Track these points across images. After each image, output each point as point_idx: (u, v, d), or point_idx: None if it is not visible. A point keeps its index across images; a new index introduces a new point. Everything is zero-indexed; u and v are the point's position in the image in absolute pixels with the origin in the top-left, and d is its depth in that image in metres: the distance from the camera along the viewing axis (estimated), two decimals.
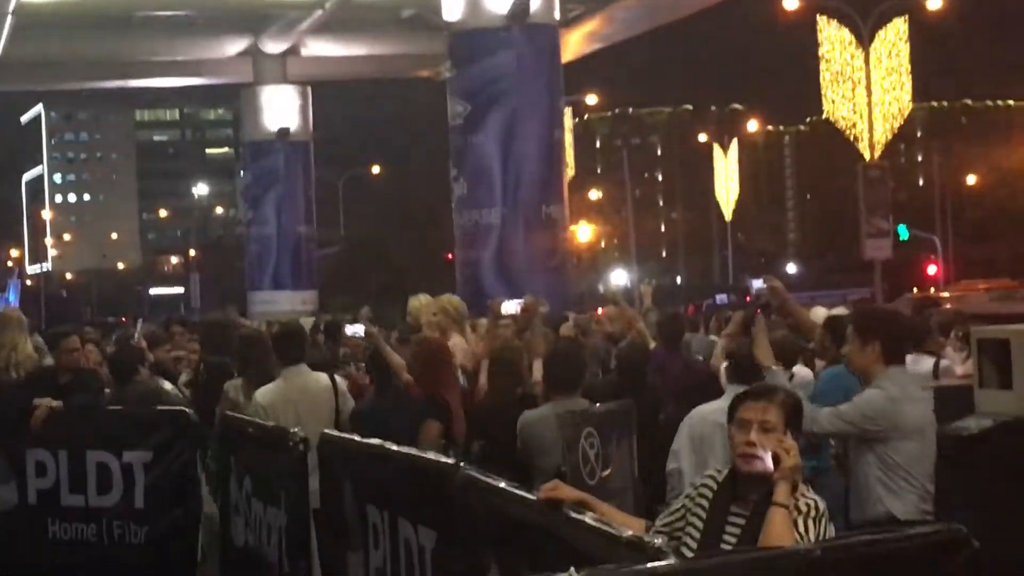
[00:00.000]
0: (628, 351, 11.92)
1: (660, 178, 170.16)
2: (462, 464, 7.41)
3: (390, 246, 68.80)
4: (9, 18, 34.03)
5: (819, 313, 12.89)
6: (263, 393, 11.45)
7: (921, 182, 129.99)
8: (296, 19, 37.25)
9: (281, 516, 10.15)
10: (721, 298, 37.73)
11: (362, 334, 12.27)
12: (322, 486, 9.64)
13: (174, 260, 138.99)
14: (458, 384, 11.18)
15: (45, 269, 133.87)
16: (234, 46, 40.58)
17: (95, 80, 46.85)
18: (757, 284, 12.28)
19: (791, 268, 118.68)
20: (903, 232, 59.26)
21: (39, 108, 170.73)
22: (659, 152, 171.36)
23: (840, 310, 12.36)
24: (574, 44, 32.67)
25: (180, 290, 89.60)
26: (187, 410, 12.44)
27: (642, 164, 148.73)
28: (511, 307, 12.36)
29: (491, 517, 6.48)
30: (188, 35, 39.84)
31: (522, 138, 24.60)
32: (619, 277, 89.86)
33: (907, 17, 50.57)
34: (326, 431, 9.90)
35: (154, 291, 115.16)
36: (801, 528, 5.46)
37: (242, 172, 48.98)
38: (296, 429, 10.12)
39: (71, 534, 12.08)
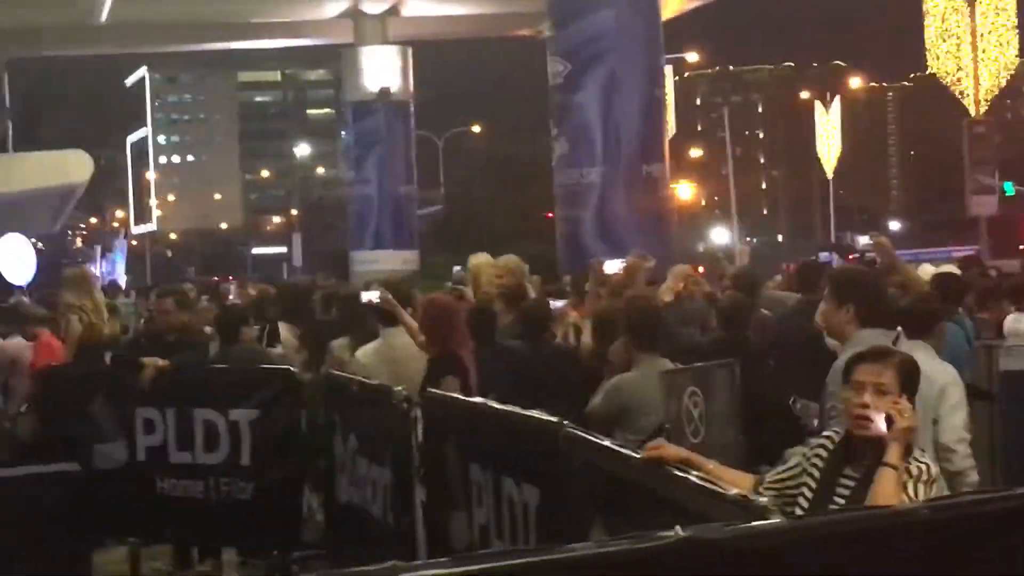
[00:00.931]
0: (730, 309, 11.87)
1: (761, 136, 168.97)
2: (565, 422, 7.45)
3: (490, 205, 68.88)
4: None
5: (926, 270, 12.76)
6: (364, 352, 11.56)
7: None
8: None
9: (386, 474, 10.24)
10: (825, 256, 37.37)
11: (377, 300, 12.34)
12: (426, 445, 9.73)
13: (276, 220, 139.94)
14: (468, 340, 11.22)
15: (150, 230, 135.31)
16: (335, 7, 40.71)
17: (197, 42, 47.24)
18: (864, 241, 12.11)
19: (894, 225, 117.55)
20: (1008, 188, 58.42)
21: (143, 71, 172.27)
22: (760, 110, 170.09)
23: (949, 267, 12.21)
24: (674, 1, 32.46)
25: (283, 249, 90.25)
26: (292, 368, 12.60)
27: (743, 122, 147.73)
28: (614, 266, 12.32)
29: (594, 475, 6.51)
30: None
31: (623, 96, 24.49)
32: (720, 236, 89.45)
33: None
34: (430, 390, 9.98)
35: (256, 251, 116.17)
36: (911, 491, 5.44)
37: (343, 133, 49.18)
38: (400, 388, 10.22)
39: (179, 491, 12.26)
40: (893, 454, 5.45)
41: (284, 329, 14.07)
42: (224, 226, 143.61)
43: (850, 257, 11.60)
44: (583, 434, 7.03)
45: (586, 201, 24.62)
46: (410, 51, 41.54)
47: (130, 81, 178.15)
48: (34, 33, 40.48)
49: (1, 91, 55.74)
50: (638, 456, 5.94)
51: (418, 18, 41.18)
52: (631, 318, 9.88)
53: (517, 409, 8.17)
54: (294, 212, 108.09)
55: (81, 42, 43.68)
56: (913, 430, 5.55)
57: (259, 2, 40.16)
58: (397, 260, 36.37)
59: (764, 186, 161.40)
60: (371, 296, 12.63)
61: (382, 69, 40.70)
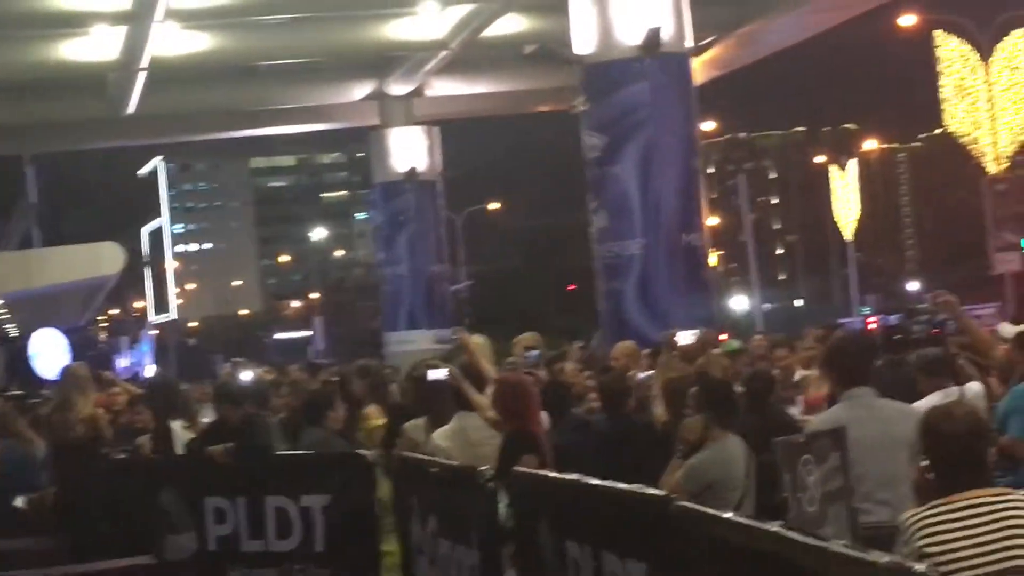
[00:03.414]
0: (752, 378, 11.93)
1: (775, 201, 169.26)
2: (672, 496, 7.43)
3: (521, 280, 69.19)
4: (141, 74, 34.60)
5: (1006, 330, 12.78)
6: (442, 434, 11.54)
7: None
8: (421, 60, 37.54)
9: (472, 555, 10.20)
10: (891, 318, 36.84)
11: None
12: (516, 523, 9.69)
13: (295, 304, 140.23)
14: (540, 417, 11.21)
15: (170, 319, 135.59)
16: (360, 90, 40.94)
17: (220, 131, 47.43)
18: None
19: (912, 285, 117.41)
20: None
21: (156, 161, 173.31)
22: (773, 175, 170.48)
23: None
24: (696, 72, 32.60)
25: (305, 333, 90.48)
26: (363, 452, 12.59)
27: (756, 188, 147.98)
28: (687, 338, 12.37)
29: (713, 547, 6.48)
30: (313, 81, 40.27)
31: (660, 168, 24.62)
32: (739, 303, 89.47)
33: None
34: (518, 468, 9.95)
35: (279, 336, 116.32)
36: None
37: (371, 214, 49.41)
38: (486, 467, 10.20)
39: None
40: None
41: (375, 411, 14.11)
42: (244, 312, 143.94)
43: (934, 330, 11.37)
44: (698, 508, 7.01)
45: (627, 273, 24.69)
46: (437, 130, 41.77)
47: (143, 171, 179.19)
48: (61, 127, 40.79)
49: (26, 187, 56.18)
50: (766, 527, 5.92)
51: (443, 97, 41.41)
52: (710, 393, 9.87)
53: (618, 484, 8.15)
54: (314, 295, 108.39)
55: (107, 134, 43.96)
56: None
57: (285, 88, 40.42)
58: (432, 339, 36.37)
59: (780, 251, 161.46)
60: (438, 375, 12.64)
61: (409, 149, 40.92)
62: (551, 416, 11.62)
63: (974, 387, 10.88)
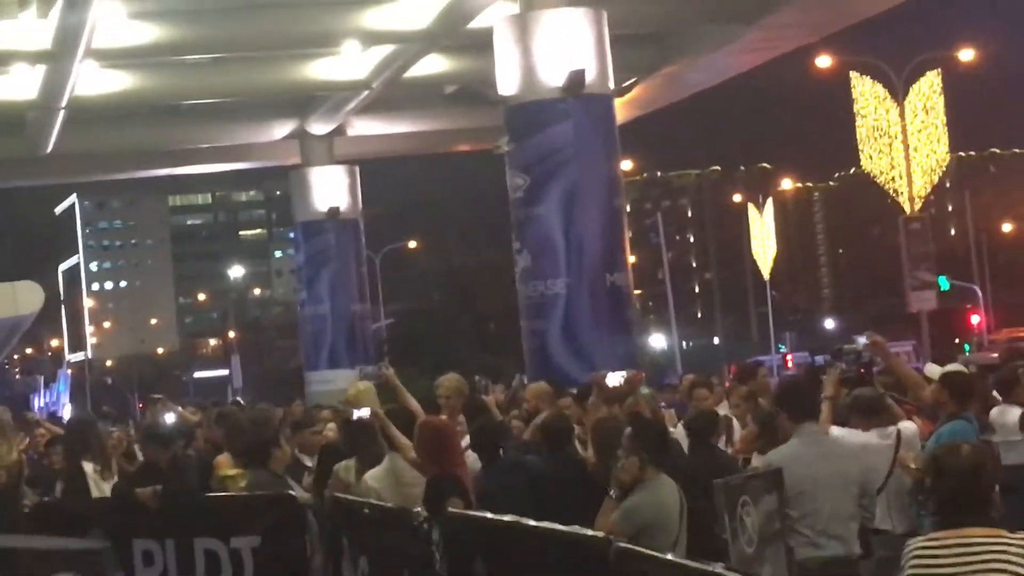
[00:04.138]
0: (697, 419, 12.04)
1: (692, 239, 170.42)
2: (611, 537, 7.49)
3: (441, 319, 69.19)
4: (61, 113, 34.36)
5: (933, 370, 12.94)
6: (373, 475, 11.52)
7: (953, 232, 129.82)
8: (343, 100, 37.53)
9: None
10: (819, 359, 36.77)
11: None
12: (451, 564, 9.70)
13: (213, 343, 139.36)
14: (463, 459, 11.25)
15: (86, 357, 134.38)
16: (281, 129, 40.87)
17: (138, 169, 47.13)
18: (861, 341, 12.22)
19: (829, 323, 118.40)
20: (944, 283, 59.12)
21: (73, 198, 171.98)
22: (689, 214, 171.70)
23: (955, 366, 12.40)
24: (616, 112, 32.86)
25: (224, 372, 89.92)
26: (294, 493, 12.56)
27: (673, 227, 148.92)
28: (615, 379, 12.44)
29: None
30: (234, 120, 40.15)
31: (584, 208, 24.68)
32: (658, 341, 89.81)
33: (939, 70, 50.86)
34: (452, 509, 9.98)
35: (197, 375, 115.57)
36: None
37: (289, 253, 49.29)
38: (419, 509, 10.21)
39: None
40: None
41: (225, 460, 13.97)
42: (161, 351, 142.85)
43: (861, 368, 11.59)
44: (640, 549, 7.08)
45: (551, 313, 24.73)
46: (357, 169, 41.73)
47: (59, 209, 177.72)
48: None
49: None
50: (707, 568, 5.99)
51: (364, 137, 41.42)
52: (644, 434, 9.93)
53: (557, 526, 8.20)
54: (232, 334, 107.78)
55: (25, 173, 43.59)
56: None
57: (206, 127, 40.27)
58: (353, 379, 36.20)
59: (697, 289, 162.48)
60: (361, 414, 12.63)
61: (330, 188, 40.88)
62: (481, 458, 11.64)
63: (910, 427, 11.05)
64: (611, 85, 25.80)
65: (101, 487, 14.19)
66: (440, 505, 10.03)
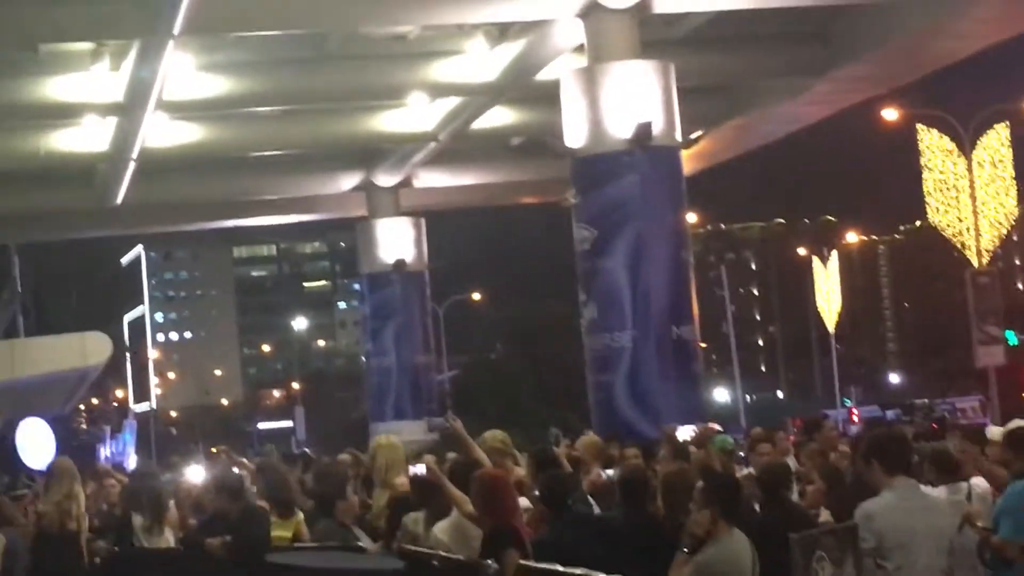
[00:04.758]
0: (768, 472, 11.91)
1: (756, 293, 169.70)
2: None
3: (504, 371, 69.18)
4: (131, 164, 34.67)
5: (994, 432, 12.81)
6: (441, 528, 11.48)
7: (1021, 286, 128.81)
8: (409, 152, 37.72)
9: None
10: (891, 414, 36.49)
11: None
12: None
13: (276, 394, 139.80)
14: (519, 511, 11.18)
15: (151, 407, 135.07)
16: (348, 181, 41.08)
17: (205, 221, 47.52)
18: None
19: (894, 378, 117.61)
20: (1012, 338, 58.49)
21: (139, 249, 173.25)
22: (753, 266, 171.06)
23: (1018, 422, 12.26)
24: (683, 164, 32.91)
25: (288, 424, 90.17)
26: (361, 544, 12.54)
27: (737, 280, 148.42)
28: (686, 432, 12.39)
29: None
30: (301, 172, 40.40)
31: (650, 260, 24.66)
32: (721, 395, 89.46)
33: (1008, 123, 50.53)
34: (522, 562, 9.92)
35: (261, 426, 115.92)
36: None
37: (354, 305, 49.44)
38: (490, 561, 10.15)
39: None
40: None
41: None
42: (225, 402, 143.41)
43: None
44: None
45: (617, 366, 24.68)
46: (423, 221, 41.93)
47: (126, 260, 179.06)
48: (49, 216, 40.82)
49: (13, 275, 56.09)
50: None
51: (430, 189, 41.58)
52: (716, 488, 9.84)
53: None
54: (295, 385, 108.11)
55: (93, 224, 44.00)
56: None
57: (272, 179, 40.52)
58: (418, 430, 36.28)
59: (761, 342, 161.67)
60: (418, 470, 12.64)
61: (396, 240, 41.06)
62: (550, 511, 11.56)
63: (981, 483, 10.95)
64: (678, 137, 25.81)
65: (151, 541, 14.25)
66: (497, 557, 9.99)
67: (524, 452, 14.49)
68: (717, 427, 13.09)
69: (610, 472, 13.94)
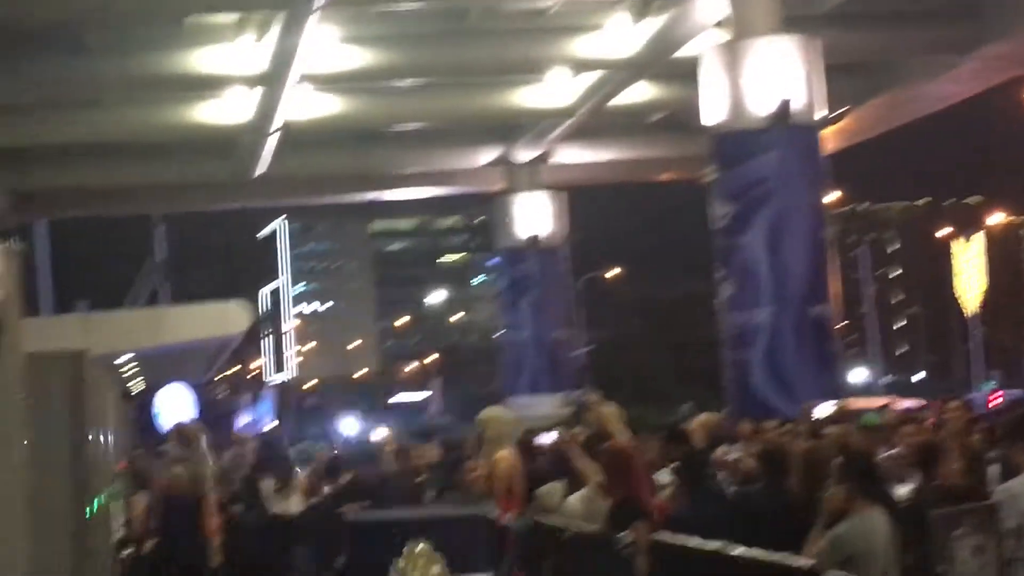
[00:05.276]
0: (919, 451, 11.73)
1: (896, 273, 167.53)
2: (819, 566, 7.38)
3: (640, 348, 69.17)
4: (273, 137, 34.99)
5: None
6: (577, 498, 11.54)
7: None
8: (548, 127, 37.73)
9: None
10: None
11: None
12: None
13: (412, 366, 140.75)
14: (649, 483, 11.16)
15: (287, 378, 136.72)
16: (486, 156, 41.18)
17: (345, 194, 47.84)
18: None
19: None
20: None
21: (279, 221, 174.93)
22: (895, 247, 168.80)
23: None
24: (824, 142, 32.61)
25: (423, 396, 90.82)
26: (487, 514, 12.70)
27: (877, 260, 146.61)
28: (825, 409, 12.30)
29: None
30: (440, 146, 40.59)
31: (789, 238, 24.53)
32: (859, 375, 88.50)
33: None
34: (656, 536, 9.94)
35: (396, 398, 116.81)
36: None
37: (490, 279, 49.74)
38: (625, 533, 10.18)
39: None
40: None
41: None
42: (361, 373, 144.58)
43: None
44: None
45: (754, 343, 24.56)
46: (564, 196, 41.99)
47: (264, 232, 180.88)
48: (192, 187, 41.41)
49: (155, 246, 57.10)
50: None
51: (569, 164, 41.54)
52: (853, 465, 9.78)
53: (762, 553, 8.12)
54: (430, 359, 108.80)
55: (235, 196, 44.49)
56: None
57: (412, 153, 40.73)
58: (553, 404, 36.36)
59: (899, 324, 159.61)
60: (546, 440, 12.71)
61: (534, 215, 41.15)
62: (685, 487, 11.54)
63: None
64: (819, 115, 25.55)
65: (279, 505, 14.49)
66: (624, 528, 10.04)
67: (655, 428, 14.50)
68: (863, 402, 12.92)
69: (732, 450, 13.88)
